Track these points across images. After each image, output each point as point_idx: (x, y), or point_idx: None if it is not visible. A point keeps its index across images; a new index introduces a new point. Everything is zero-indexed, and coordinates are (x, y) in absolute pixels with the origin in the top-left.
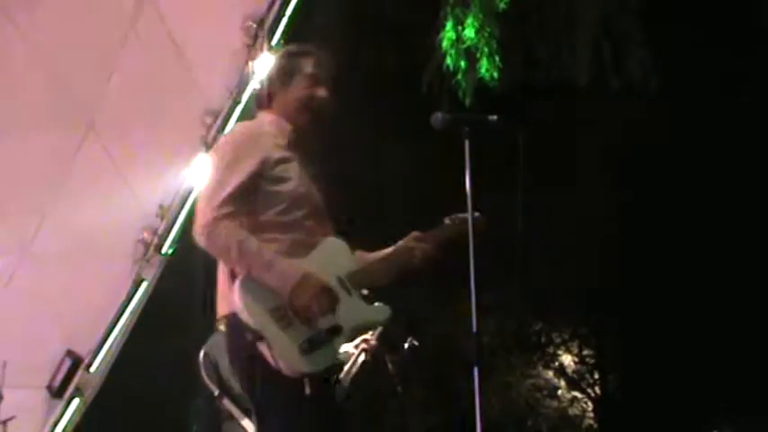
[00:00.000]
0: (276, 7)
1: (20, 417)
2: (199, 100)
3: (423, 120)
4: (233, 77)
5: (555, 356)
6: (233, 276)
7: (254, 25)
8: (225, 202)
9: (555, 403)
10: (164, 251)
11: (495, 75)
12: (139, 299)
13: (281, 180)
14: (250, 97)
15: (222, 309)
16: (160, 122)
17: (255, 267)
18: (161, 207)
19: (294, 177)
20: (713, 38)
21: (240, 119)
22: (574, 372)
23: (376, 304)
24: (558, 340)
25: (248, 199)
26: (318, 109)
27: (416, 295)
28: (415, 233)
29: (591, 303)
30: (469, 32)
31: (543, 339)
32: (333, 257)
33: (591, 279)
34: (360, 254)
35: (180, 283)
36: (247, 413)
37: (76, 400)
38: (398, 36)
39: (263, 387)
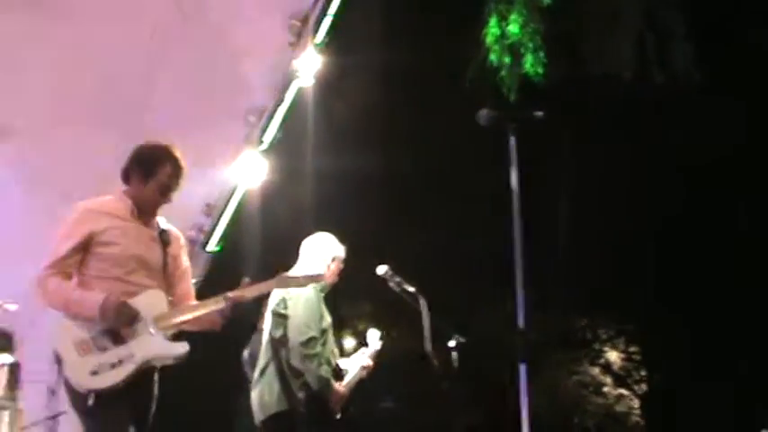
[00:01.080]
0: (320, 4)
1: (70, 411)
2: (243, 98)
3: (467, 116)
4: (277, 76)
5: (601, 353)
6: None
7: (298, 23)
8: (54, 264)
9: (601, 400)
10: (209, 248)
11: (540, 70)
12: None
13: (109, 244)
14: (295, 95)
15: None
16: (205, 121)
17: (71, 305)
18: (207, 205)
19: (122, 242)
20: (757, 29)
21: (285, 118)
22: (620, 368)
23: (176, 342)
24: (604, 337)
25: (77, 260)
26: (162, 202)
27: (463, 293)
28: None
29: (637, 300)
30: (514, 28)
31: (589, 336)
32: (149, 303)
33: (637, 275)
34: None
35: (225, 281)
36: None
37: None
38: (442, 32)
39: (72, 401)
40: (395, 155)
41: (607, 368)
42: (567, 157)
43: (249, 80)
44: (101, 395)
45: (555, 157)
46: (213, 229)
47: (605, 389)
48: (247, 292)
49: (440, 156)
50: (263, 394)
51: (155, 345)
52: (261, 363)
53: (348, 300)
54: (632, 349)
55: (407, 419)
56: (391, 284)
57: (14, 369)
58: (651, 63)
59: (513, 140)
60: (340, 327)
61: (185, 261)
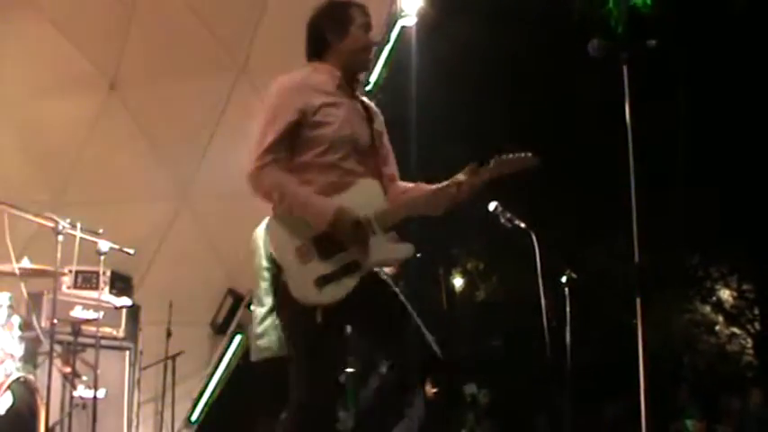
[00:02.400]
0: None
1: (187, 352)
2: None
3: (577, 50)
4: (381, 16)
5: (713, 291)
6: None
7: None
8: (265, 153)
9: (713, 339)
10: None
11: (648, 1)
12: None
13: (322, 125)
14: (398, 36)
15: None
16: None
17: (294, 207)
18: None
19: (336, 121)
20: None
21: (388, 57)
22: (732, 307)
23: (400, 243)
24: (716, 275)
25: (288, 145)
26: (371, 55)
27: (572, 229)
28: (470, 166)
29: (751, 236)
30: None
31: (701, 273)
32: (365, 198)
33: (751, 211)
34: (398, 191)
35: None
36: None
37: (238, 336)
38: None
39: (286, 313)
40: (501, 93)
41: (719, 307)
42: (681, 86)
43: None
44: (328, 311)
45: (669, 88)
46: None
47: (717, 328)
48: (478, 177)
49: (549, 91)
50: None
51: (379, 248)
52: (272, 298)
53: (458, 238)
54: (745, 287)
55: (517, 358)
56: (502, 221)
57: (134, 312)
58: None
59: (625, 71)
60: (450, 265)
61: (387, 140)
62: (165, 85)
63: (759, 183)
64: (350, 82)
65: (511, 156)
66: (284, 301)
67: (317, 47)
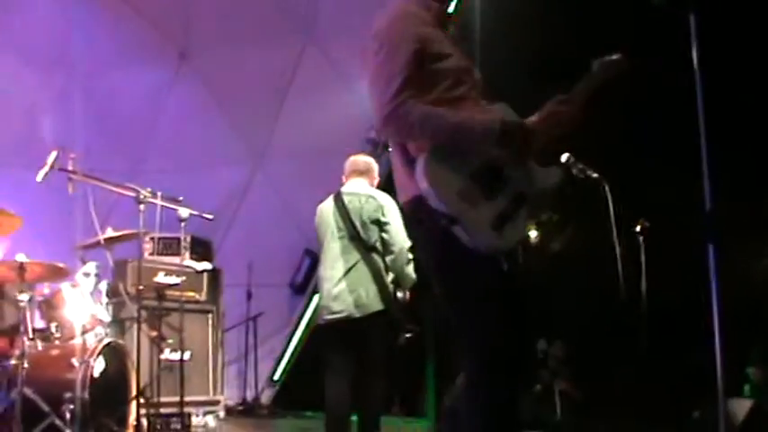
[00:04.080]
0: None
1: (267, 312)
2: None
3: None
4: None
5: None
6: (410, 162)
7: None
8: (399, 90)
9: None
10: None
11: None
12: None
13: (442, 57)
14: None
15: (403, 197)
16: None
17: (458, 130)
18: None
19: (454, 52)
20: None
21: (454, 13)
22: None
23: (550, 167)
24: None
25: (415, 81)
26: None
27: (645, 173)
28: (558, 97)
29: None
30: None
31: None
32: (511, 116)
33: None
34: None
35: None
36: None
37: (317, 296)
38: None
39: (460, 270)
40: (567, 38)
41: None
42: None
43: None
44: (508, 258)
45: (739, 35)
46: None
47: None
48: (591, 82)
49: (616, 40)
50: (359, 294)
51: (537, 175)
52: (343, 263)
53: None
54: None
55: (589, 312)
56: (574, 171)
57: (216, 275)
58: None
59: (692, 19)
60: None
61: None
62: (234, 52)
63: None
64: (441, 15)
65: (597, 64)
66: (455, 257)
67: None
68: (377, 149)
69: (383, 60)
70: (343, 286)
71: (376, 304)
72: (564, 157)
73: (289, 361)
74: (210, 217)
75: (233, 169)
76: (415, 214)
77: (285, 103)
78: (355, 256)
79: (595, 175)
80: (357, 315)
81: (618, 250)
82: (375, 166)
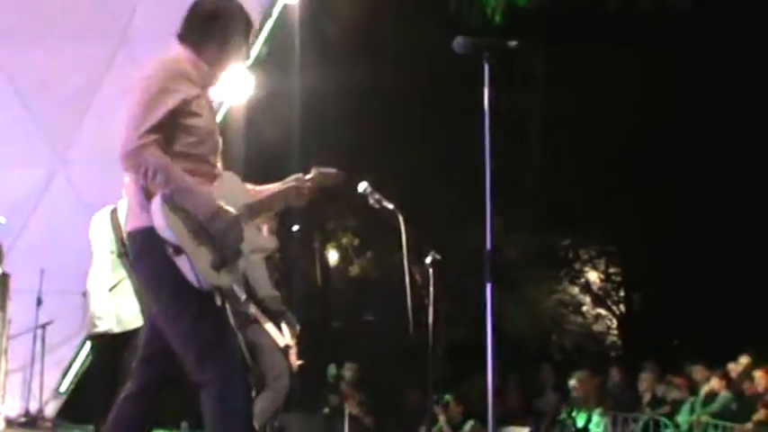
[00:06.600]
0: None
1: (58, 320)
2: None
3: (452, 36)
4: None
5: (581, 273)
6: (148, 197)
7: None
8: (150, 131)
9: (580, 319)
10: None
11: None
12: None
13: (196, 115)
14: (281, 11)
15: (134, 223)
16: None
17: (180, 192)
18: None
19: (204, 114)
20: None
21: (270, 34)
22: (599, 289)
23: (269, 235)
24: (585, 257)
25: (166, 129)
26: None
27: (444, 212)
28: (299, 175)
29: (618, 221)
30: None
31: (571, 255)
32: (230, 190)
33: (619, 198)
34: (249, 188)
35: None
36: (271, 316)
37: None
38: None
39: (178, 297)
40: (380, 72)
41: (587, 288)
42: (540, 84)
43: None
44: (224, 293)
45: (532, 81)
46: None
47: (584, 308)
48: (320, 179)
49: (426, 74)
50: (120, 311)
51: (253, 238)
52: (109, 279)
53: (334, 214)
54: (612, 270)
55: (389, 333)
56: (371, 201)
57: (3, 279)
58: None
59: (487, 67)
60: (326, 240)
61: None
62: (42, 47)
63: (624, 170)
64: (211, 79)
65: (325, 170)
66: (176, 282)
67: (199, 35)
68: None
69: (144, 98)
70: (107, 301)
71: (137, 321)
72: (361, 187)
73: (76, 372)
74: (3, 220)
75: (32, 171)
76: (145, 241)
77: (92, 106)
78: (122, 273)
79: (391, 206)
80: (117, 330)
81: (407, 279)
82: None
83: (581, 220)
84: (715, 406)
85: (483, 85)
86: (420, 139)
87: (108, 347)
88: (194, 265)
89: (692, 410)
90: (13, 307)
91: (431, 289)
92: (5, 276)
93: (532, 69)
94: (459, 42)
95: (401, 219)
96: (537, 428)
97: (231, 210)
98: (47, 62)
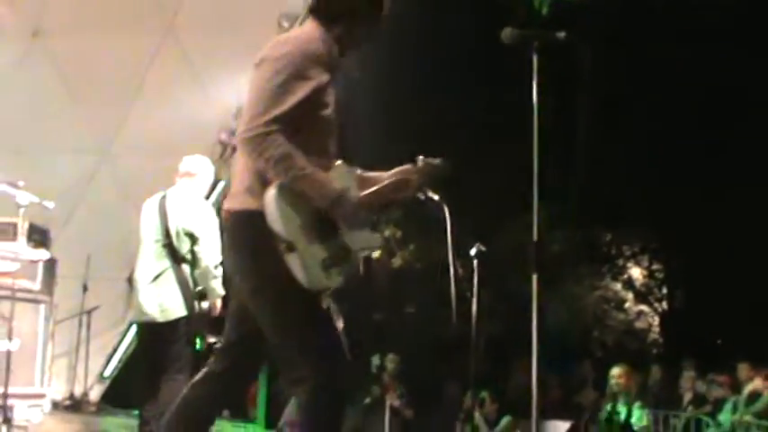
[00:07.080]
0: None
1: (103, 307)
2: (275, 4)
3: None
4: None
5: (624, 269)
6: (263, 183)
7: None
8: (277, 119)
9: (621, 316)
10: None
11: None
12: (216, 198)
13: (325, 106)
14: None
15: (241, 203)
16: (237, 26)
17: (302, 181)
18: (238, 109)
19: (331, 103)
20: None
21: None
22: (642, 285)
23: (374, 233)
24: (627, 253)
25: (293, 119)
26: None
27: (490, 203)
28: (408, 166)
29: (662, 218)
30: None
31: (614, 251)
32: (345, 184)
33: (664, 193)
34: (360, 177)
35: None
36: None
37: None
38: None
39: (284, 295)
40: (423, 67)
41: (629, 284)
42: (585, 77)
43: None
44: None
45: (582, 72)
46: None
47: (626, 305)
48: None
49: (468, 68)
50: (164, 300)
51: (363, 234)
52: (154, 268)
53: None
54: (655, 267)
55: (429, 326)
56: (417, 192)
57: (51, 265)
58: None
59: (535, 58)
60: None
61: None
62: (89, 37)
63: (671, 166)
64: (336, 62)
65: (432, 161)
66: (284, 282)
67: (335, 9)
68: (225, 153)
69: (277, 83)
70: (151, 291)
71: (179, 311)
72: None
73: (121, 358)
74: (51, 205)
75: (78, 159)
76: (248, 222)
77: (138, 96)
78: (166, 263)
79: (436, 196)
80: (160, 320)
81: (452, 272)
82: (207, 170)
83: (624, 215)
84: (758, 406)
85: (530, 78)
86: (461, 132)
87: (152, 335)
88: (305, 264)
89: (734, 409)
90: (59, 292)
91: (475, 281)
92: (52, 262)
93: (579, 63)
94: (506, 33)
95: (447, 210)
96: (577, 424)
97: (352, 196)
98: (94, 53)
